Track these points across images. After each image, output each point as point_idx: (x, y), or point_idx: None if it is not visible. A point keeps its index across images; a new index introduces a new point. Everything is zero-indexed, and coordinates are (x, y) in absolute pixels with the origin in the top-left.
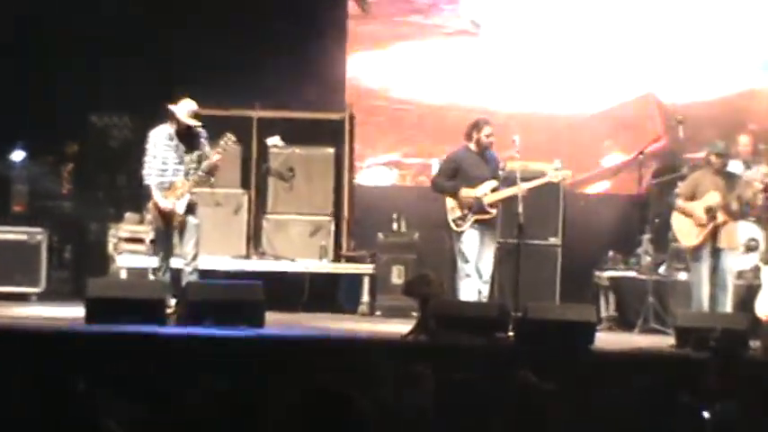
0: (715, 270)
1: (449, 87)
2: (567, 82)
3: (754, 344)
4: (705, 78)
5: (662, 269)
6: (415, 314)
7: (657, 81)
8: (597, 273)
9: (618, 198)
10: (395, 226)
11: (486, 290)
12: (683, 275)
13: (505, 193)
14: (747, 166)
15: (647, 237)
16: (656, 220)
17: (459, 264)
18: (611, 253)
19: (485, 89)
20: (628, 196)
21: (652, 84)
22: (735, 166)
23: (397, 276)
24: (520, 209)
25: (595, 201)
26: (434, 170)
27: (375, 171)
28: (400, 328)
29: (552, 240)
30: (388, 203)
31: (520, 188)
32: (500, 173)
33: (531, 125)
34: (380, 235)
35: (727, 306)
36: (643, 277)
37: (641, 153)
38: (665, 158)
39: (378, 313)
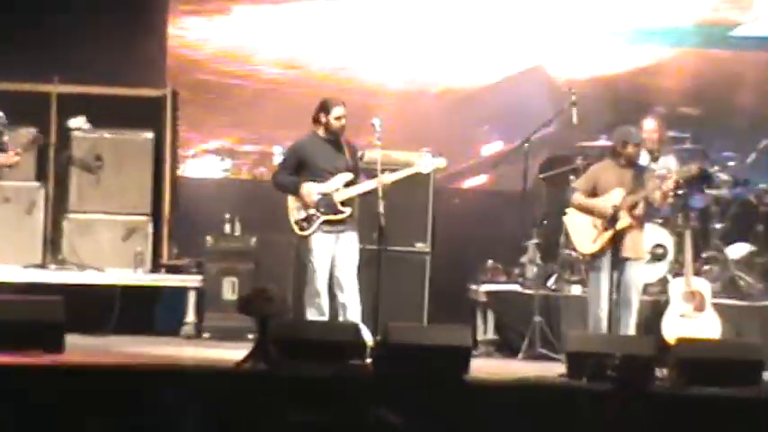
0: (617, 283)
1: (295, 58)
2: (442, 52)
3: (661, 372)
4: (603, 50)
5: (551, 282)
6: (251, 337)
7: (548, 51)
8: (473, 286)
9: (499, 195)
10: (227, 228)
11: (353, 305)
12: (576, 289)
13: (362, 187)
14: (653, 157)
15: (533, 242)
16: (545, 222)
17: (307, 275)
18: (490, 262)
19: (340, 60)
20: (511, 193)
21: (541, 55)
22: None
23: (229, 291)
24: (380, 208)
25: (472, 198)
26: (277, 160)
27: (203, 161)
28: (233, 353)
29: (419, 246)
30: (219, 200)
31: (380, 181)
32: (356, 163)
33: (396, 106)
34: (209, 239)
35: (631, 327)
36: (528, 292)
37: (527, 141)
38: (555, 147)
39: (206, 335)
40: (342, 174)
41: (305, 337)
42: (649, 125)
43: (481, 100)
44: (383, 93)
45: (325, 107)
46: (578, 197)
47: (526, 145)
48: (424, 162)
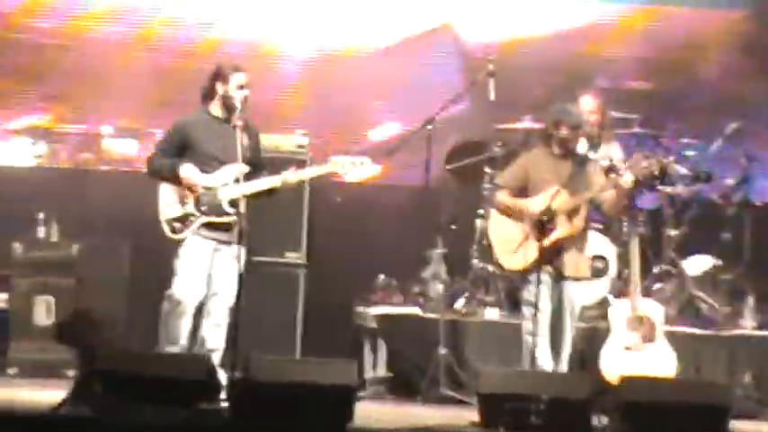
0: (554, 306)
1: (134, 8)
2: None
3: (599, 420)
4: (529, 6)
5: (460, 304)
6: (72, 373)
7: (457, 5)
8: (360, 308)
9: (394, 191)
10: (41, 232)
11: (216, 341)
12: (492, 313)
13: (258, 184)
14: (593, 144)
15: (437, 252)
16: (453, 227)
17: (170, 290)
18: (382, 277)
19: (183, 13)
20: (409, 189)
21: (449, 10)
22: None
23: (43, 313)
24: (241, 206)
25: (359, 195)
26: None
27: (9, 144)
28: (48, 394)
29: (291, 256)
30: (31, 196)
31: (285, 180)
32: (257, 153)
33: (256, 73)
34: (17, 247)
35: (563, 361)
36: (431, 316)
37: (430, 122)
38: (466, 131)
39: (11, 371)
40: (234, 165)
41: (141, 373)
42: (588, 104)
43: (370, 68)
44: (238, 55)
45: (221, 74)
46: (502, 196)
47: (429, 127)
48: (342, 160)
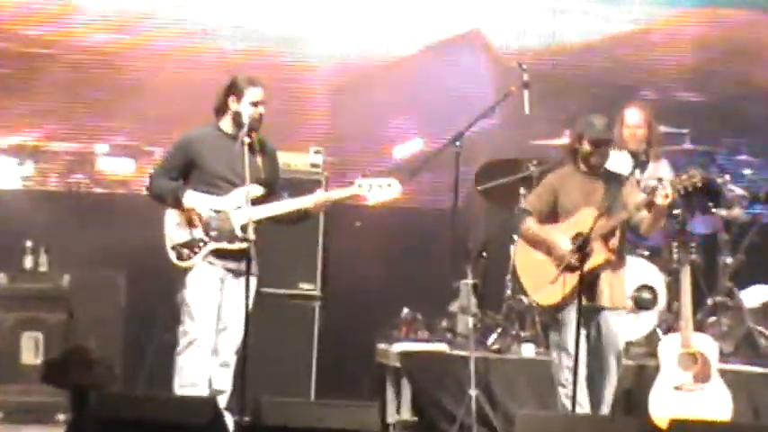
0: (590, 343)
1: (126, 18)
2: (330, 12)
3: None
4: (567, 10)
5: (493, 340)
6: (63, 418)
7: (488, 9)
8: (382, 345)
9: (419, 215)
10: (28, 262)
11: (223, 377)
12: (529, 350)
13: (278, 207)
14: (639, 163)
15: (467, 283)
16: (484, 255)
17: (183, 325)
18: (406, 311)
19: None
20: (435, 213)
21: (480, 15)
22: (619, 161)
23: (31, 351)
24: (251, 233)
25: (381, 220)
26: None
27: None
28: None
29: (305, 288)
30: (17, 222)
31: (317, 200)
32: (274, 173)
33: (279, 83)
34: (1, 278)
35: (606, 403)
36: (460, 353)
37: (458, 138)
38: (498, 148)
39: None
40: (246, 186)
41: (139, 418)
42: (633, 117)
43: (393, 80)
44: (245, 64)
45: (235, 88)
46: (530, 223)
47: (457, 144)
48: (368, 182)
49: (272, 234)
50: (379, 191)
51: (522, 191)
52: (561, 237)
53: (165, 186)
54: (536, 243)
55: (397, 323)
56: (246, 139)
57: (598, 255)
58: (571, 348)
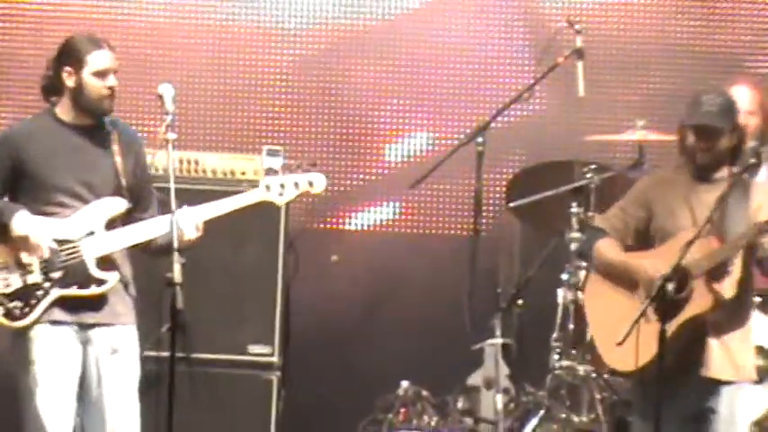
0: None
1: None
2: None
3: None
4: None
5: (533, 426)
6: None
7: None
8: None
9: (424, 243)
10: None
11: None
12: None
13: (142, 233)
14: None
15: (493, 344)
16: (519, 300)
17: (27, 412)
18: (404, 385)
19: None
20: (449, 239)
21: None
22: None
23: None
24: (175, 273)
25: (369, 249)
26: None
27: None
28: None
29: (258, 352)
30: None
31: (180, 222)
32: (141, 176)
33: (210, 61)
34: None
35: None
36: None
37: (482, 129)
38: (540, 146)
39: None
40: (101, 200)
41: None
42: (741, 101)
43: (384, 47)
44: (183, 33)
45: (73, 53)
46: (605, 248)
47: (479, 140)
48: (278, 181)
49: (203, 271)
50: (293, 191)
51: (574, 208)
52: (651, 259)
53: None
54: (613, 275)
55: (393, 403)
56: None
57: (701, 300)
58: None
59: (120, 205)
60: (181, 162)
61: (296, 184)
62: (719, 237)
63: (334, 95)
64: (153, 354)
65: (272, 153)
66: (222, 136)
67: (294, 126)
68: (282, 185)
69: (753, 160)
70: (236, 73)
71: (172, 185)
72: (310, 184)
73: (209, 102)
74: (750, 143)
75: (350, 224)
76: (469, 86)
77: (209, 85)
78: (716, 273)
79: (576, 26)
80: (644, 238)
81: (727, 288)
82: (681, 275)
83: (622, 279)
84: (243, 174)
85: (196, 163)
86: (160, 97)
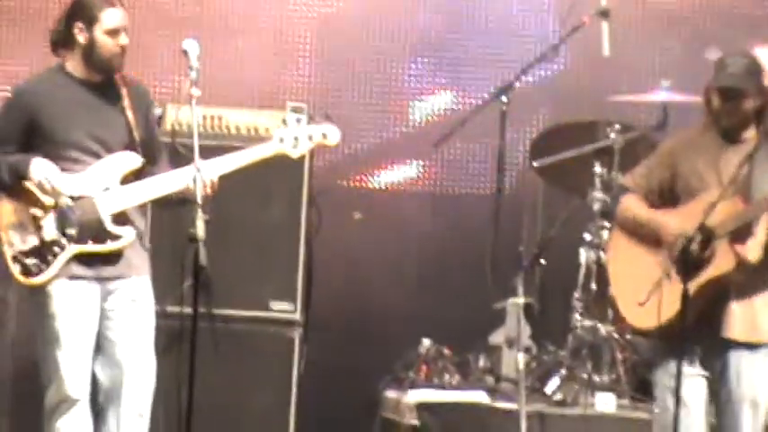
0: (716, 391)
1: None
2: None
3: None
4: None
5: (553, 386)
6: None
7: None
8: (392, 392)
9: (447, 203)
10: None
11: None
12: (607, 403)
13: (158, 186)
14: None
15: (516, 303)
16: (542, 262)
17: (47, 364)
18: (426, 343)
19: None
20: (472, 198)
21: None
22: None
23: None
24: (198, 229)
25: (391, 209)
26: None
27: None
28: None
29: (280, 308)
30: None
31: (200, 175)
32: (151, 132)
33: (230, 22)
34: None
35: None
36: (506, 406)
37: (505, 90)
38: (564, 105)
39: None
40: (115, 155)
41: None
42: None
43: (404, 5)
44: None
45: (83, 11)
46: (632, 205)
47: (503, 99)
48: (291, 134)
49: (224, 229)
50: (307, 143)
51: (597, 169)
52: (674, 216)
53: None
54: (638, 233)
55: (414, 361)
56: (195, 91)
57: (724, 260)
58: (682, 400)
59: (134, 160)
60: (204, 118)
61: (310, 137)
62: (744, 197)
63: (359, 53)
64: (175, 309)
65: (296, 110)
66: (247, 92)
67: (319, 83)
68: (296, 138)
69: None
70: (261, 30)
71: (195, 141)
72: (324, 136)
73: (234, 58)
74: None
75: (373, 182)
76: (493, 45)
77: (234, 42)
78: (740, 234)
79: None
80: (670, 199)
81: (752, 250)
82: (705, 235)
83: (646, 236)
84: (266, 130)
85: (219, 119)
86: (185, 53)
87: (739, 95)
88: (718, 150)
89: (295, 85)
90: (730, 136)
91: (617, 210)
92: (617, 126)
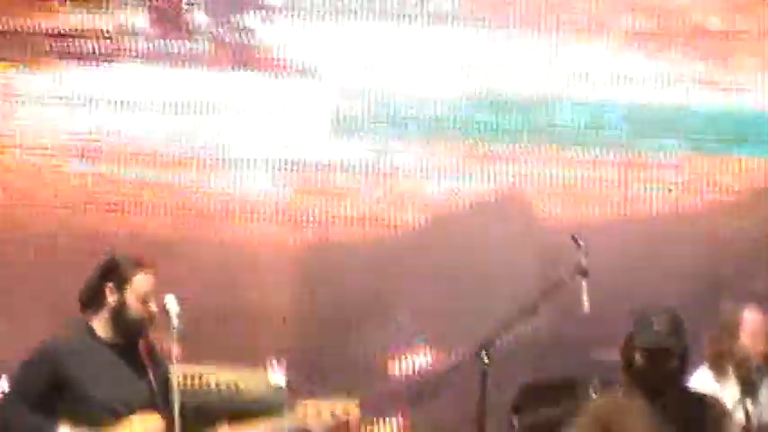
0: None
1: None
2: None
3: None
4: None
5: None
6: None
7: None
8: None
9: None
10: None
11: None
12: None
13: None
14: (745, 383)
15: None
16: None
17: None
18: None
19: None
20: None
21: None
22: (700, 378)
23: None
24: None
25: None
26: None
27: None
28: None
29: None
30: None
31: None
32: (166, 388)
33: (208, 268)
34: None
35: None
36: None
37: (486, 347)
38: (544, 362)
39: None
40: (144, 416)
41: None
42: (752, 322)
43: (391, 260)
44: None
45: (118, 272)
46: None
47: (484, 356)
48: (322, 411)
49: None
50: (330, 420)
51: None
52: None
53: (27, 421)
54: None
55: None
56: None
57: None
58: None
59: (156, 423)
60: (185, 377)
61: (332, 414)
62: None
63: (337, 308)
64: None
65: (275, 369)
66: (223, 347)
67: (297, 339)
68: (319, 413)
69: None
70: (241, 290)
71: (176, 407)
72: (348, 415)
73: (212, 315)
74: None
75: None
76: (473, 303)
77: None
78: None
79: (580, 242)
80: None
81: None
82: None
83: None
84: (248, 390)
85: (200, 378)
86: (165, 310)
87: (666, 354)
88: (647, 411)
89: (272, 341)
90: (657, 397)
91: None
92: (595, 381)
